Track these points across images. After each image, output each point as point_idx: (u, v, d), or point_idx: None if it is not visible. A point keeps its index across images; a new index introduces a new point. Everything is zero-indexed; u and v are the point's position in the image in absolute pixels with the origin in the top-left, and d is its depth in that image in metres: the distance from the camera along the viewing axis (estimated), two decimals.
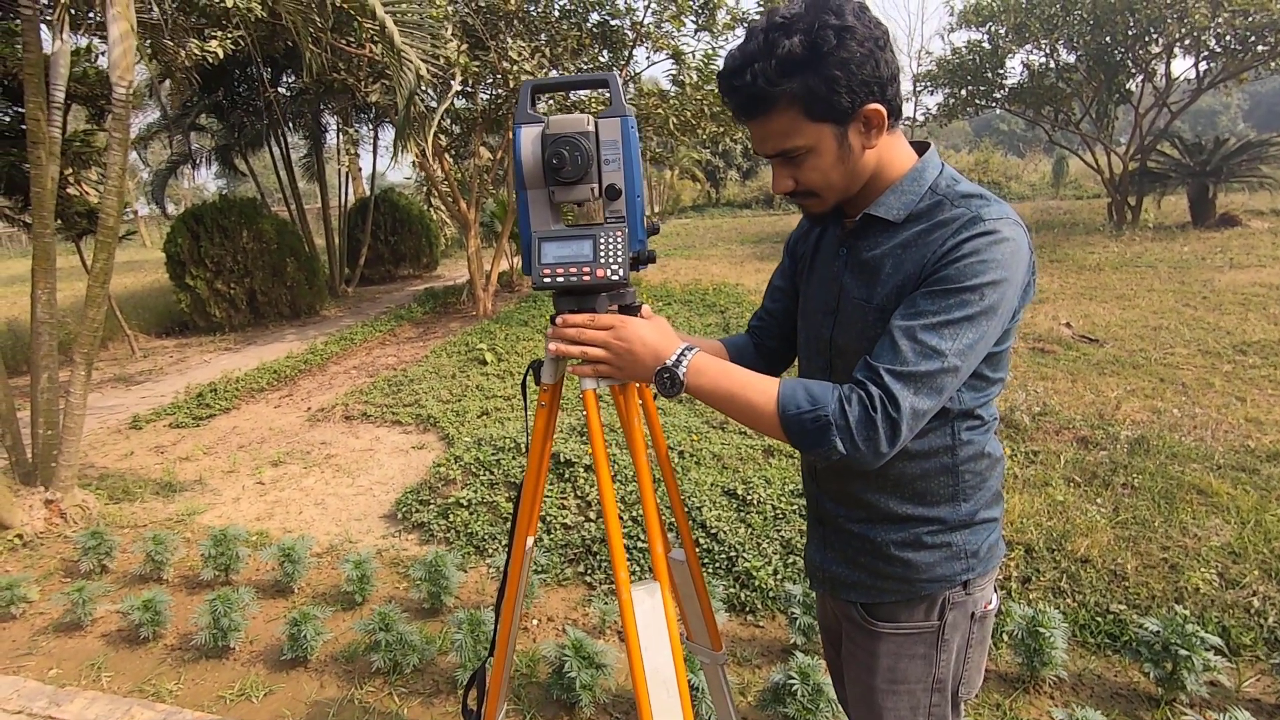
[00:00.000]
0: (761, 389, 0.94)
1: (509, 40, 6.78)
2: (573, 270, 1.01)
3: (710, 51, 7.15)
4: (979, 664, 1.13)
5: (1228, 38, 10.78)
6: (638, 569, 2.90)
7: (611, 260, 1.00)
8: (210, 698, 2.38)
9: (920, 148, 1.02)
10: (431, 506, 3.53)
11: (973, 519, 1.05)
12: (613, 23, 7.70)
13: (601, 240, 1.01)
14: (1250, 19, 10.02)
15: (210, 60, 5.49)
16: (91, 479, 4.37)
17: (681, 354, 0.97)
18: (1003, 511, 1.13)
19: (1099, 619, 2.43)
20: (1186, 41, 10.92)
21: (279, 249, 9.07)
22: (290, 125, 10.93)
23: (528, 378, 1.18)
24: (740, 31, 7.60)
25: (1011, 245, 0.90)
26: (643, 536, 2.98)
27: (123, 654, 2.66)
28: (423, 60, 4.70)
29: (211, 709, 2.32)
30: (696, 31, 7.47)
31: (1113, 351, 5.34)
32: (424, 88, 5.71)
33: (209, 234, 8.68)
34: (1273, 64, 10.94)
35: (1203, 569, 2.58)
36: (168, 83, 9.10)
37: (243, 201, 9.10)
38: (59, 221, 6.92)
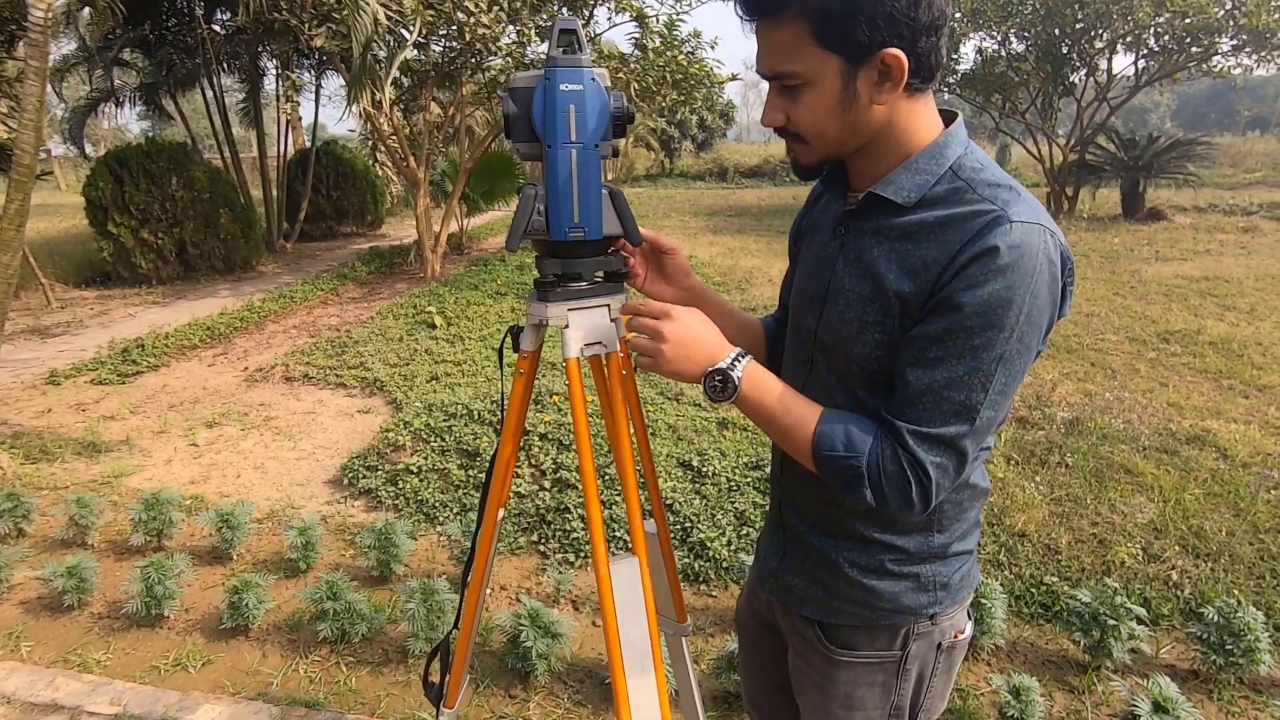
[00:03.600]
0: (802, 418, 0.86)
1: None
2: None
3: (673, 18, 7.02)
4: (943, 691, 1.05)
5: (1166, 37, 11.21)
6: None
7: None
8: (143, 668, 2.27)
9: (948, 118, 0.88)
10: (380, 473, 3.43)
11: (945, 551, 0.95)
12: None
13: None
14: (1189, 20, 10.43)
15: None
16: (4, 436, 4.08)
17: (736, 359, 0.87)
18: (978, 540, 1.03)
19: (1034, 590, 2.55)
20: (1128, 39, 11.32)
21: (212, 199, 8.56)
22: (225, 66, 10.24)
23: (505, 344, 1.12)
24: None
25: (1043, 257, 0.76)
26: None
27: (44, 623, 2.51)
28: (380, 5, 4.44)
29: (144, 680, 2.22)
30: None
31: (1050, 337, 5.56)
32: (380, 35, 5.41)
33: (134, 179, 8.11)
34: (1204, 65, 11.45)
35: (1128, 544, 2.74)
36: (87, 11, 8.37)
37: (172, 146, 8.52)
38: None
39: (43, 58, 2.92)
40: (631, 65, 7.18)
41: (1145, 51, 11.68)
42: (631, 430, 1.16)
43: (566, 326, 1.03)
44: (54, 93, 10.32)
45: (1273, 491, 3.10)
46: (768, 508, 1.18)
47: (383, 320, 6.37)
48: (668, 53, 7.00)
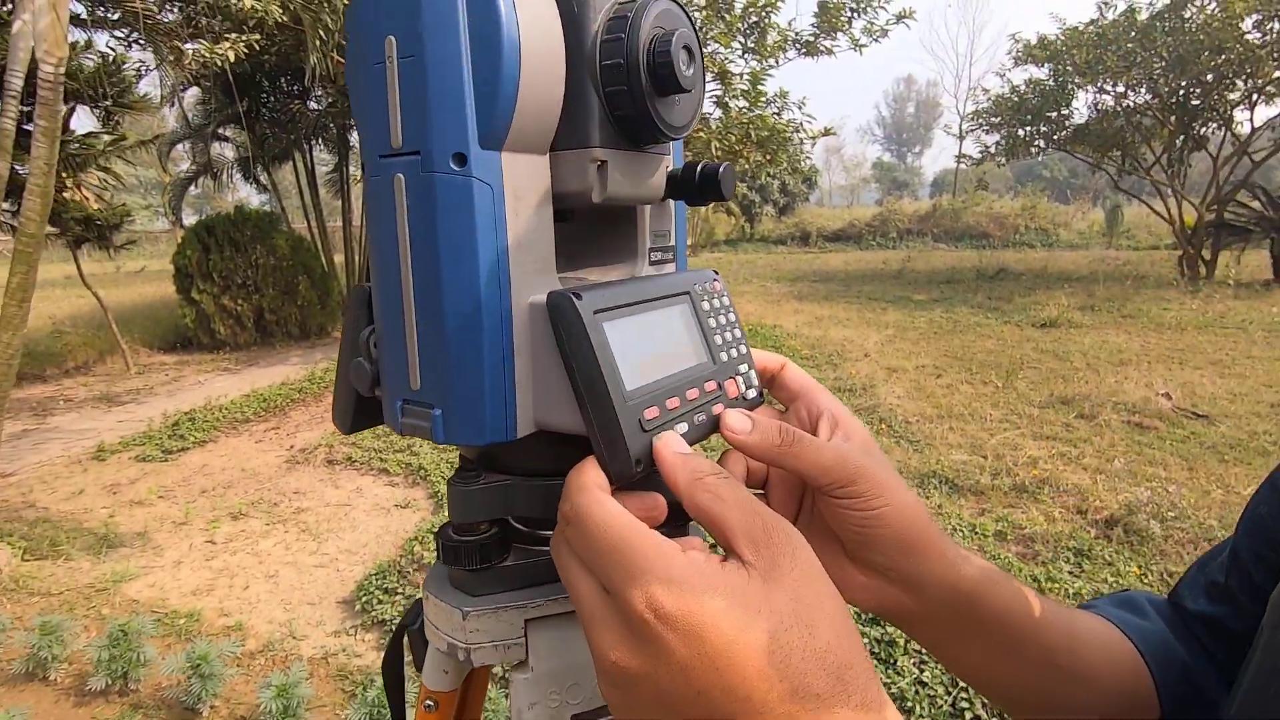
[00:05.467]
0: None
1: None
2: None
3: (757, 72, 6.55)
4: None
5: None
6: None
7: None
8: None
9: None
10: (399, 597, 2.83)
11: None
12: None
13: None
14: None
15: (219, 64, 5.03)
16: (25, 522, 3.77)
17: None
18: None
19: None
20: (1268, 89, 10.10)
21: (292, 265, 8.60)
22: (317, 139, 10.58)
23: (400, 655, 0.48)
24: (791, 54, 7.00)
25: None
26: None
27: None
28: None
29: None
30: (744, 53, 6.89)
31: (1228, 432, 4.50)
32: None
33: (219, 246, 8.25)
34: None
35: None
36: (193, 91, 8.80)
37: (258, 215, 8.69)
38: (54, 228, 6.49)
39: (52, 117, 2.63)
40: (712, 125, 6.72)
41: None
42: None
43: (525, 672, 0.38)
44: (161, 168, 10.91)
45: None
46: None
47: None
48: (751, 110, 6.51)
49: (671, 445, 0.34)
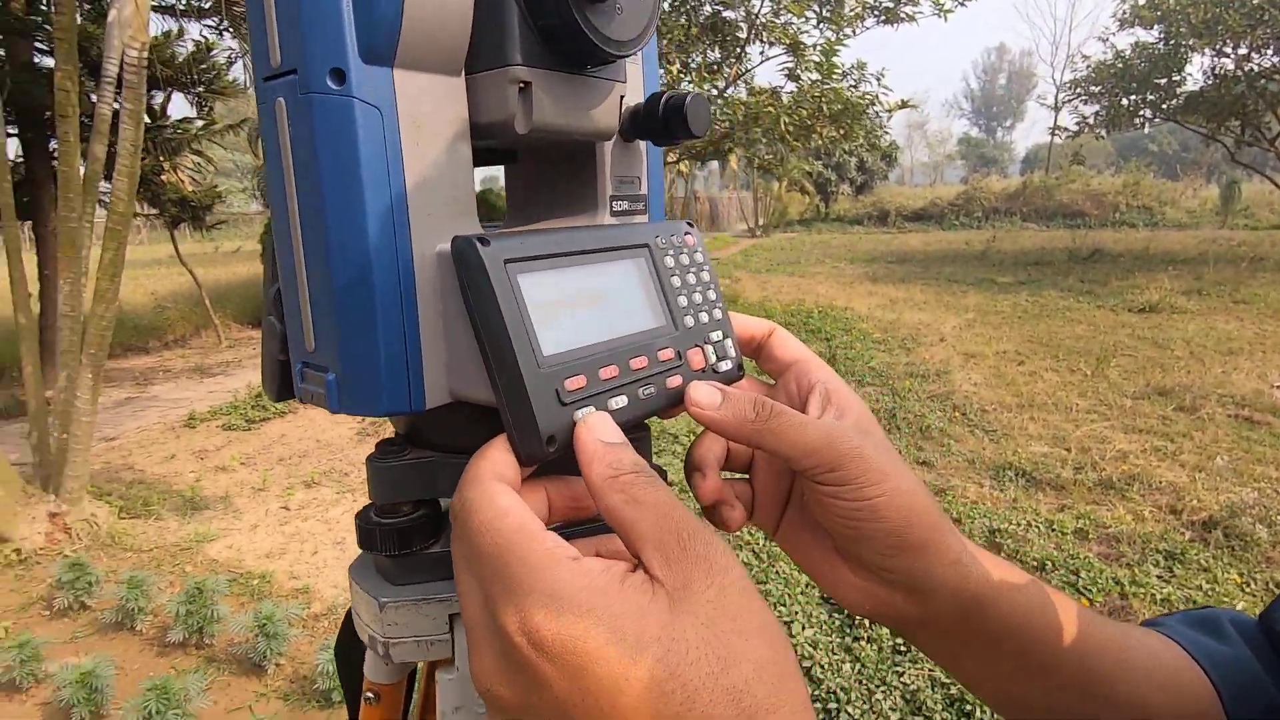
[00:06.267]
0: None
1: None
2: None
3: (832, 43, 6.26)
4: None
5: None
6: None
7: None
8: None
9: None
10: None
11: None
12: (725, 14, 6.97)
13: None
14: None
15: None
16: (123, 483, 4.06)
17: None
18: None
19: None
20: None
21: None
22: None
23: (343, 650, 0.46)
24: (870, 22, 6.68)
25: None
26: None
27: None
28: None
29: None
30: (819, 23, 6.60)
31: None
32: None
33: None
34: None
35: None
36: None
37: None
38: (153, 209, 6.93)
39: (137, 101, 2.77)
40: (784, 99, 6.50)
41: None
42: None
43: (451, 672, 0.34)
44: (252, 151, 11.47)
45: None
46: None
47: None
48: (825, 83, 6.24)
49: (594, 430, 0.28)
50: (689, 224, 0.38)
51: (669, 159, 8.19)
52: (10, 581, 3.02)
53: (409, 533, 0.34)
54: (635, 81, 0.37)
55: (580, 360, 0.29)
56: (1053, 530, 3.05)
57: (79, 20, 3.49)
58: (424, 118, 0.29)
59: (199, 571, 3.10)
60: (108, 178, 3.58)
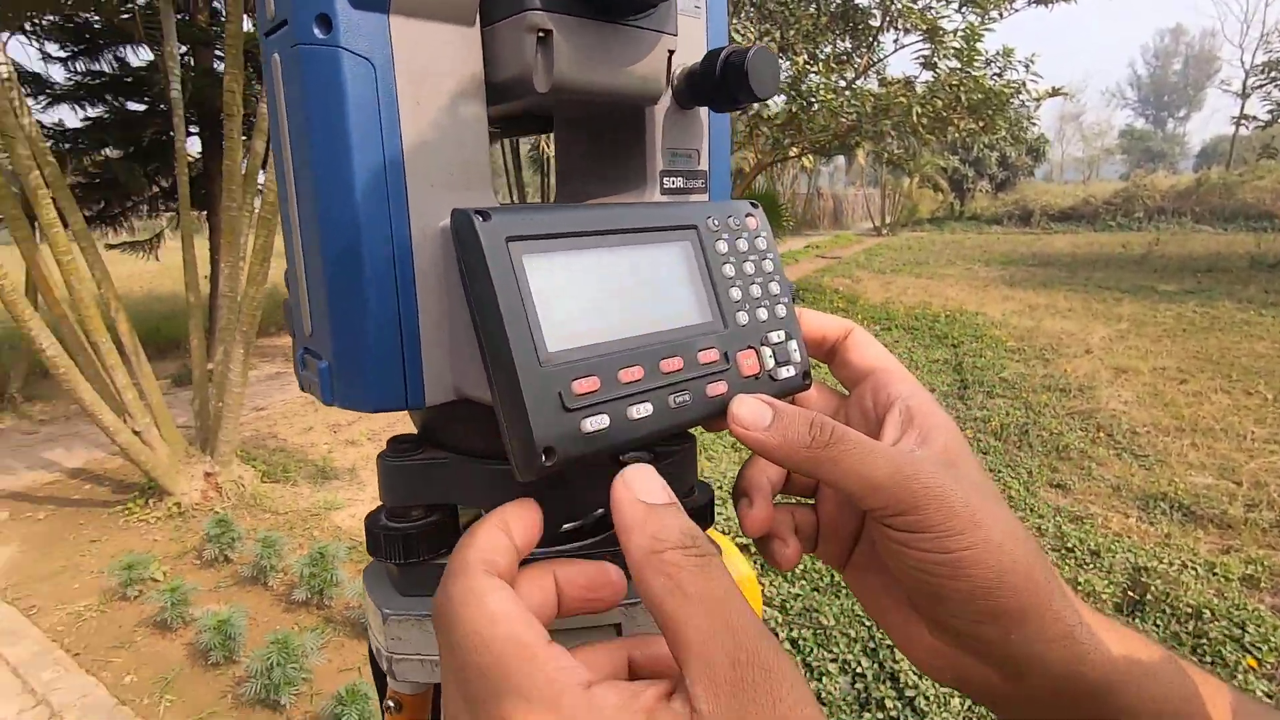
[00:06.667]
0: None
1: (733, 21, 6.07)
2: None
3: (975, 27, 5.82)
4: None
5: None
6: None
7: None
8: None
9: None
10: None
11: None
12: (857, 0, 6.66)
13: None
14: None
15: None
16: (267, 450, 4.46)
17: None
18: None
19: None
20: None
21: None
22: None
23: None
24: (1021, 3, 6.17)
25: None
26: None
27: (196, 673, 2.40)
28: None
29: None
30: (962, 6, 6.16)
31: None
32: None
33: None
34: None
35: None
36: None
37: None
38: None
39: None
40: (918, 89, 6.12)
41: None
42: None
43: None
44: None
45: None
46: None
47: None
48: (964, 70, 5.81)
49: (634, 484, 0.23)
50: (753, 203, 0.32)
51: (790, 153, 7.95)
52: (170, 531, 3.39)
53: (415, 540, 0.31)
54: (696, 39, 0.32)
55: (594, 359, 0.25)
56: (1214, 574, 2.67)
57: (248, 27, 3.84)
58: (426, 71, 0.25)
59: (324, 536, 3.34)
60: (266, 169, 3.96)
